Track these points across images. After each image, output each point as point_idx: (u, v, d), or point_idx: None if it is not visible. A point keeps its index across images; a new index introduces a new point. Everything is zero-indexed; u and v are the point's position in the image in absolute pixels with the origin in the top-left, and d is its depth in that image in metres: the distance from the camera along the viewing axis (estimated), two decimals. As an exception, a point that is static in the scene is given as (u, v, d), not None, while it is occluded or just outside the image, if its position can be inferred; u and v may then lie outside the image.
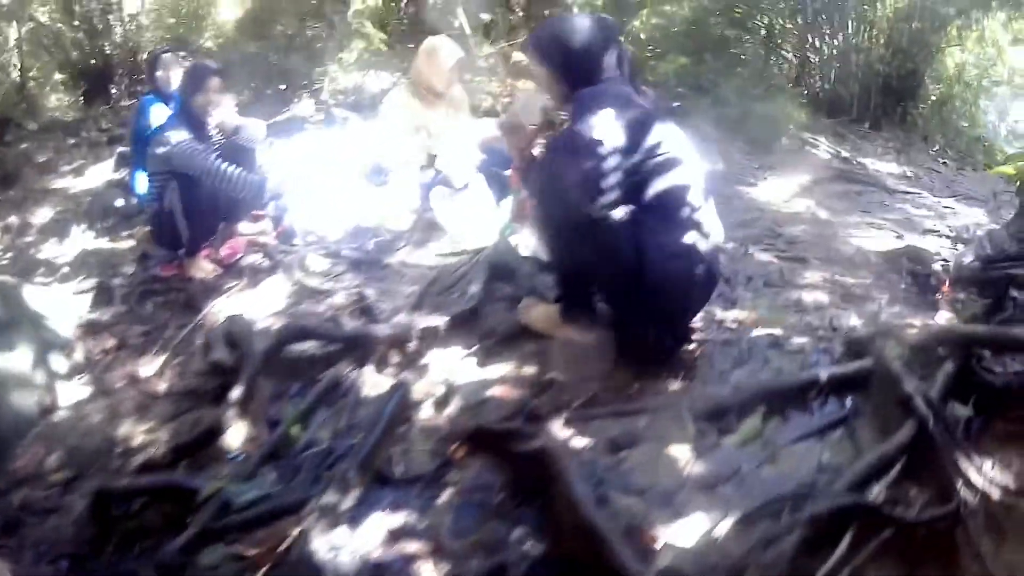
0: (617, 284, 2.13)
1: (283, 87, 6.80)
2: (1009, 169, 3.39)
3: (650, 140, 2.04)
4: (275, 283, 3.27)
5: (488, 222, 3.46)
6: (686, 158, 2.12)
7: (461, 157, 3.84)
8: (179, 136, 3.40)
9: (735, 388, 2.08)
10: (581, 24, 2.23)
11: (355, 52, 6.59)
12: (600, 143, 1.92)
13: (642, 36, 6.08)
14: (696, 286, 2.16)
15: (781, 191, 4.46)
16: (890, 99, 7.03)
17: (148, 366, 2.86)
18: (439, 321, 2.56)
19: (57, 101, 8.08)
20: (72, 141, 6.23)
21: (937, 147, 6.87)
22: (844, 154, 5.68)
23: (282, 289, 3.21)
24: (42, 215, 4.85)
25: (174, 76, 4.25)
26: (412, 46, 5.74)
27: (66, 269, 3.92)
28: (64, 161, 5.83)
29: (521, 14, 6.88)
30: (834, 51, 7.21)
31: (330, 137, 5.09)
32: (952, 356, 1.87)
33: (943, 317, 2.56)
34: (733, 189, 4.34)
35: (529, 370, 2.33)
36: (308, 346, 2.61)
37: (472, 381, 2.29)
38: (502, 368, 2.37)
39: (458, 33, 6.03)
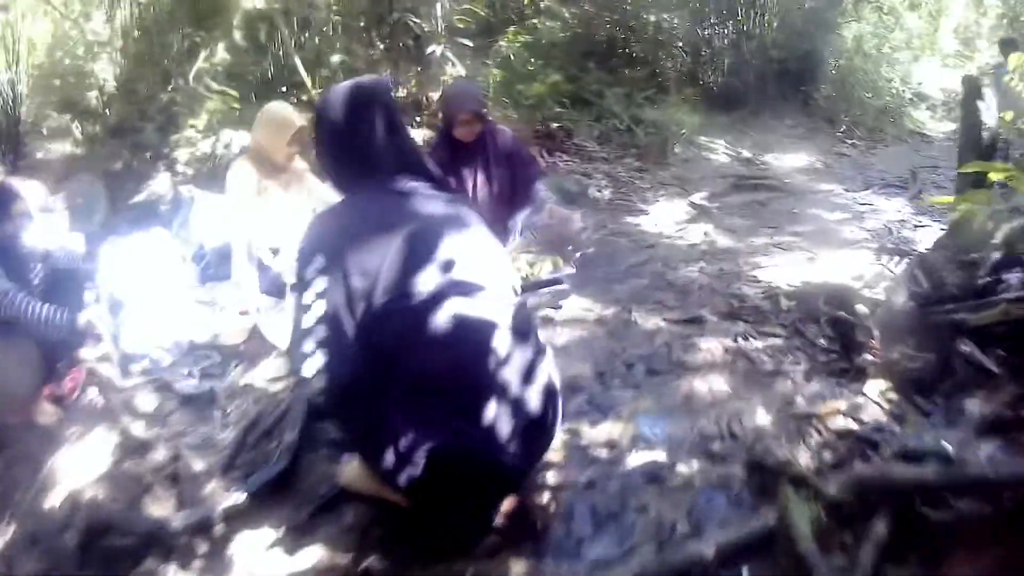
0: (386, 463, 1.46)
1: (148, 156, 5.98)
2: (949, 199, 2.88)
3: (397, 277, 1.41)
4: (101, 434, 2.57)
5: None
6: (477, 285, 1.48)
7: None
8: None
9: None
10: (335, 99, 1.63)
11: (205, 115, 5.81)
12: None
13: (512, 57, 5.43)
14: (499, 467, 1.47)
15: (674, 215, 3.89)
16: (788, 84, 6.60)
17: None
18: (243, 495, 1.90)
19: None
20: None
21: (844, 128, 6.44)
22: (745, 154, 5.16)
23: (108, 441, 2.51)
24: None
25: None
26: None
27: None
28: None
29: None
30: (725, 41, 6.76)
31: (175, 222, 4.29)
32: (887, 506, 1.26)
33: (874, 389, 1.96)
34: (619, 223, 3.74)
35: (345, 556, 1.67)
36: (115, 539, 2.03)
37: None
38: (314, 554, 1.71)
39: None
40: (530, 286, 2.79)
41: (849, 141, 6.00)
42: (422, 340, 1.37)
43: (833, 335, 2.29)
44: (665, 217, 3.85)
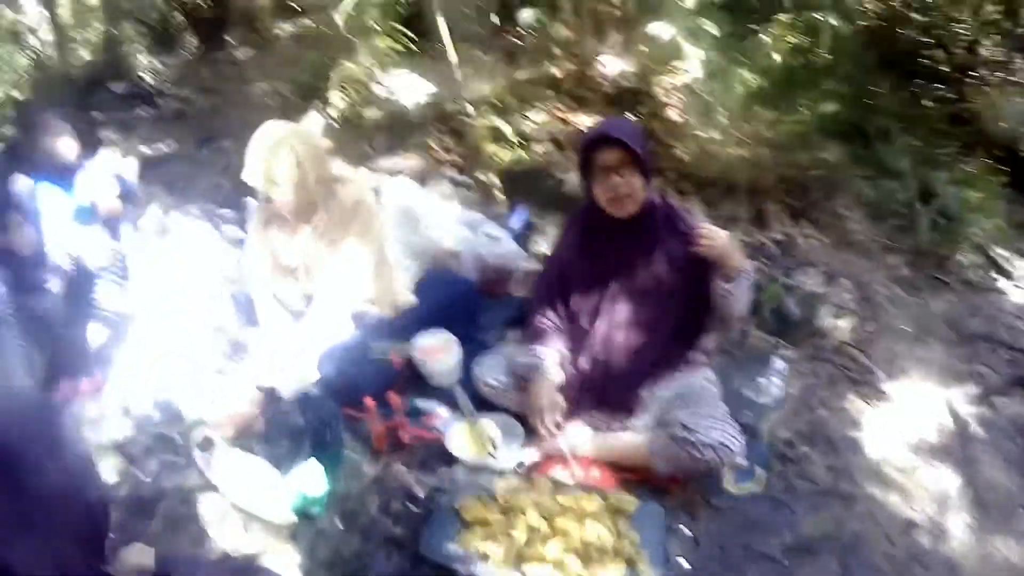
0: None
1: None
2: None
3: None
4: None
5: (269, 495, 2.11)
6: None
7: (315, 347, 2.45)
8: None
9: None
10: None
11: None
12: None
13: (776, 63, 3.71)
14: None
15: (915, 423, 2.68)
16: None
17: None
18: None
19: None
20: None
21: None
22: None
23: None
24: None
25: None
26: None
27: None
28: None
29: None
30: None
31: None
32: None
33: None
34: (834, 413, 2.67)
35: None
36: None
37: None
38: None
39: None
40: None
41: None
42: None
43: None
44: (902, 418, 2.72)
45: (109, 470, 2.23)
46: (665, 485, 2.12)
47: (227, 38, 5.76)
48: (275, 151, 2.31)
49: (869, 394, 2.73)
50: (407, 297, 2.68)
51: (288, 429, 2.20)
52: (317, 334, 2.45)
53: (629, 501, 1.96)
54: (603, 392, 2.26)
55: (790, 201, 3.64)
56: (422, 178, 3.83)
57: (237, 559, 1.94)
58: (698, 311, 2.20)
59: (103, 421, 2.42)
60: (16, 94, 5.06)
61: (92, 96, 5.17)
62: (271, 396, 2.42)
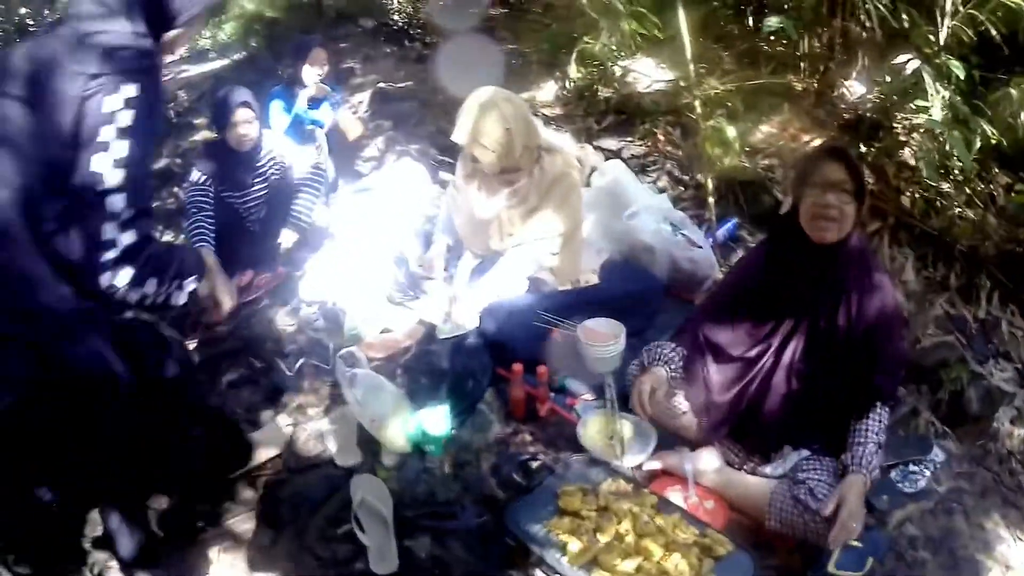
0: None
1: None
2: None
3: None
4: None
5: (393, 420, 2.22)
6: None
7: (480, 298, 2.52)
8: (199, 172, 2.86)
9: None
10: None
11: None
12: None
13: None
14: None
15: None
16: None
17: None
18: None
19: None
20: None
21: None
22: None
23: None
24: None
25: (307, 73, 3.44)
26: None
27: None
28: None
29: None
30: None
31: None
32: None
33: None
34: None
35: None
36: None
37: None
38: None
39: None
40: None
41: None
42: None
43: None
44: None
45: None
46: (771, 541, 2.00)
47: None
48: (485, 114, 2.41)
49: (1017, 523, 2.39)
50: (590, 277, 2.70)
51: (432, 368, 2.33)
52: (492, 288, 2.54)
53: (723, 544, 1.86)
54: (745, 428, 2.14)
55: (1005, 280, 3.21)
56: (641, 166, 3.82)
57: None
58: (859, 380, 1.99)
59: (273, 312, 2.74)
60: (268, 12, 5.61)
61: (340, 28, 5.58)
62: (429, 334, 2.55)
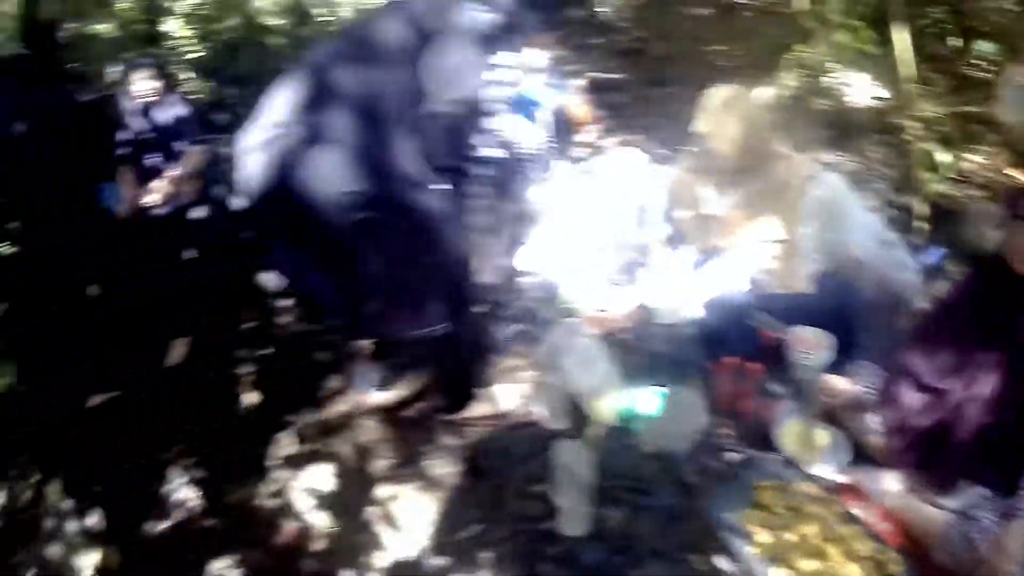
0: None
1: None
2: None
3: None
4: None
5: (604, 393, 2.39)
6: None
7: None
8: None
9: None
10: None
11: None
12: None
13: None
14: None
15: None
16: None
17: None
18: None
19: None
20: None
21: None
22: None
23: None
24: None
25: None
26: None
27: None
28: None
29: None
30: None
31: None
32: None
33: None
34: None
35: None
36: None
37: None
38: None
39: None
40: None
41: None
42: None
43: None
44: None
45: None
46: (934, 574, 2.02)
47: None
48: (728, 111, 2.52)
49: None
50: (804, 286, 2.75)
51: (649, 350, 2.51)
52: (713, 282, 2.66)
53: (898, 563, 1.94)
54: (930, 457, 2.17)
55: None
56: (853, 182, 3.79)
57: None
58: None
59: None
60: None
61: (549, 15, 5.73)
62: (646, 317, 2.71)
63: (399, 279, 2.20)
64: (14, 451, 2.84)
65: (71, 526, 2.50)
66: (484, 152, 2.26)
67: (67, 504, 2.62)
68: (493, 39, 1.95)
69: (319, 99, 2.16)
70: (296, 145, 2.15)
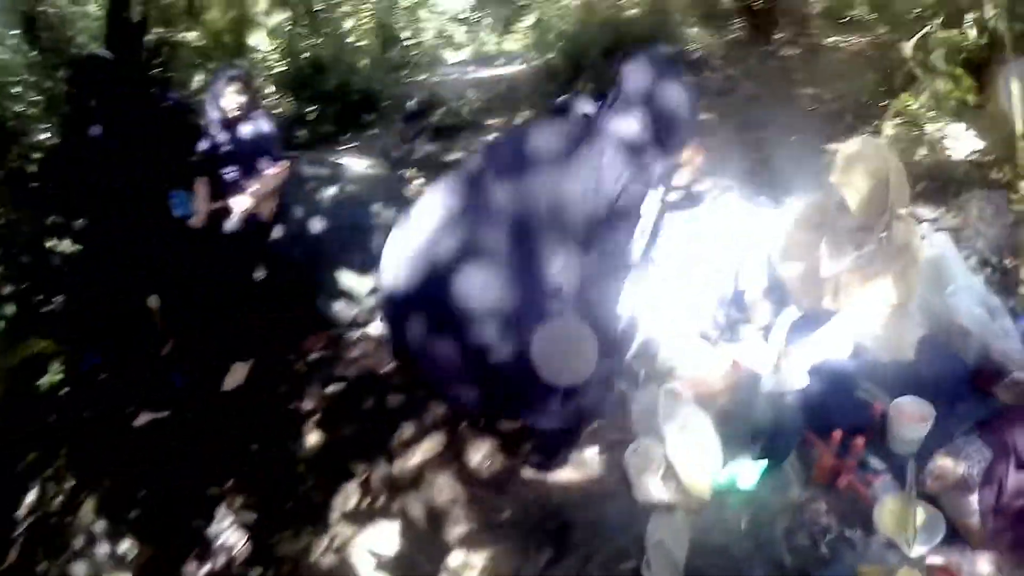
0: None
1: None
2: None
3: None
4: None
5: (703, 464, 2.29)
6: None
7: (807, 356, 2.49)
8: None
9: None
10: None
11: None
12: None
13: None
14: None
15: None
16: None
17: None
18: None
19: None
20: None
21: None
22: None
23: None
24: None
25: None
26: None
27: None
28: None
29: None
30: None
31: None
32: None
33: None
34: None
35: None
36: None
37: None
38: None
39: None
40: None
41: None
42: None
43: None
44: None
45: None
46: None
47: (776, 33, 5.89)
48: (865, 164, 2.33)
49: None
50: (908, 354, 2.60)
51: (749, 419, 2.35)
52: (820, 349, 2.49)
53: None
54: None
55: None
56: (956, 239, 3.65)
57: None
58: None
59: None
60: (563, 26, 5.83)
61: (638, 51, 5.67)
62: (747, 382, 2.57)
63: (543, 385, 2.15)
64: (50, 451, 2.74)
65: (101, 548, 2.40)
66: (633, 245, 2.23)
67: (100, 526, 2.52)
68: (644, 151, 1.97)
69: (472, 208, 2.14)
70: (446, 254, 2.12)
